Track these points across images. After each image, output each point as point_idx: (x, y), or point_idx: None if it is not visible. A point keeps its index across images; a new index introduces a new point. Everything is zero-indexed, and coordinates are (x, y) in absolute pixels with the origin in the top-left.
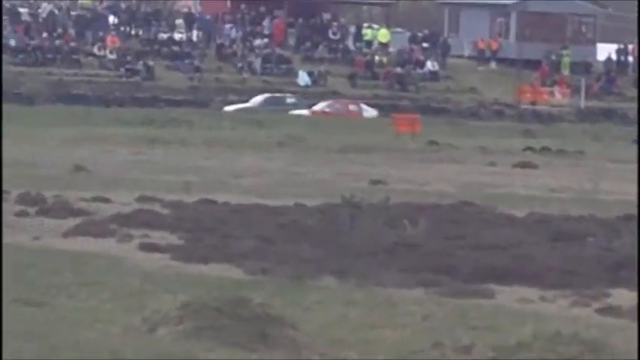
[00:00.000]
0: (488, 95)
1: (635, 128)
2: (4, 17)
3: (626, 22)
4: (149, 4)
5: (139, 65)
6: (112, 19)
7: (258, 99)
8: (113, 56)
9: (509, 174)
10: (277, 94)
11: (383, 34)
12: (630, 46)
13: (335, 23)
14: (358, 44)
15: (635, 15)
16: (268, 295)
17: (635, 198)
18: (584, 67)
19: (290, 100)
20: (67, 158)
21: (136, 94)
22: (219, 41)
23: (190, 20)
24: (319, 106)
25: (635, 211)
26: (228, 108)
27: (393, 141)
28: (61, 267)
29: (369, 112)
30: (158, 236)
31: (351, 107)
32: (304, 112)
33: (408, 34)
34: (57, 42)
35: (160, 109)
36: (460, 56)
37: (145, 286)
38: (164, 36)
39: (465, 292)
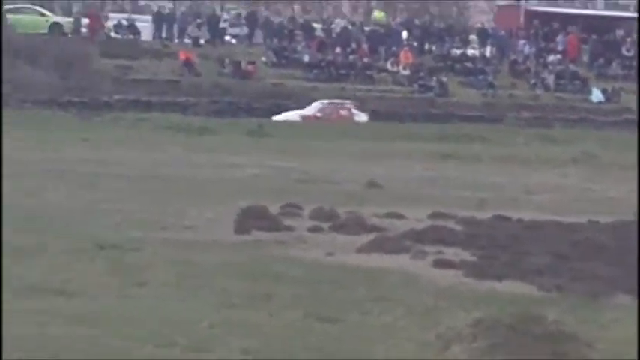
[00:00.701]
0: None
1: None
2: (297, 32)
3: None
4: (443, 20)
5: (433, 81)
6: (405, 34)
7: (315, 105)
8: (406, 72)
9: None
10: (335, 100)
11: None
12: None
13: (628, 39)
14: None
15: None
16: (562, 312)
17: None
18: None
19: (348, 106)
20: (360, 174)
21: (429, 110)
22: (512, 57)
23: (484, 36)
24: (310, 111)
25: None
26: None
27: None
28: (354, 283)
29: (361, 117)
30: (452, 252)
31: (343, 112)
32: (295, 116)
33: None
34: (350, 57)
35: (454, 124)
36: None
37: (439, 302)
38: (457, 52)
39: None
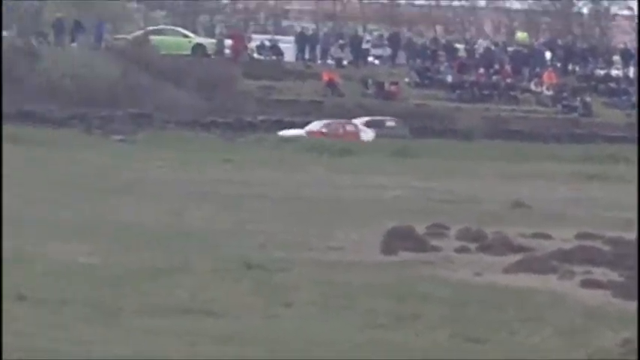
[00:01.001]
0: None
1: None
2: (440, 53)
3: None
4: (585, 40)
5: (576, 102)
6: (548, 55)
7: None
8: (550, 92)
9: None
10: (378, 117)
11: None
12: None
13: None
14: None
15: None
16: None
17: None
18: None
19: (390, 123)
20: (506, 194)
21: (573, 130)
22: None
23: (627, 56)
24: (316, 126)
25: None
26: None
27: None
28: (502, 303)
29: (367, 134)
30: (600, 273)
31: (349, 128)
32: (300, 132)
33: None
34: (493, 78)
35: (598, 145)
36: None
37: (587, 322)
38: (601, 72)
39: None
